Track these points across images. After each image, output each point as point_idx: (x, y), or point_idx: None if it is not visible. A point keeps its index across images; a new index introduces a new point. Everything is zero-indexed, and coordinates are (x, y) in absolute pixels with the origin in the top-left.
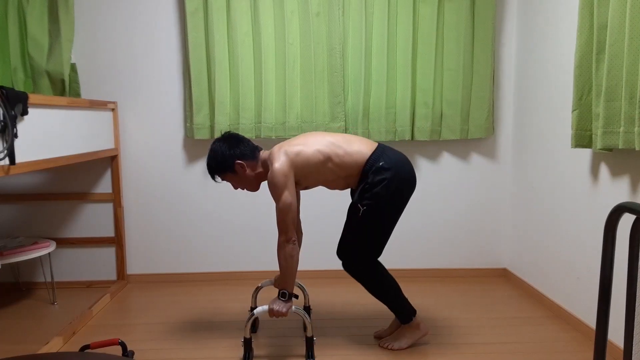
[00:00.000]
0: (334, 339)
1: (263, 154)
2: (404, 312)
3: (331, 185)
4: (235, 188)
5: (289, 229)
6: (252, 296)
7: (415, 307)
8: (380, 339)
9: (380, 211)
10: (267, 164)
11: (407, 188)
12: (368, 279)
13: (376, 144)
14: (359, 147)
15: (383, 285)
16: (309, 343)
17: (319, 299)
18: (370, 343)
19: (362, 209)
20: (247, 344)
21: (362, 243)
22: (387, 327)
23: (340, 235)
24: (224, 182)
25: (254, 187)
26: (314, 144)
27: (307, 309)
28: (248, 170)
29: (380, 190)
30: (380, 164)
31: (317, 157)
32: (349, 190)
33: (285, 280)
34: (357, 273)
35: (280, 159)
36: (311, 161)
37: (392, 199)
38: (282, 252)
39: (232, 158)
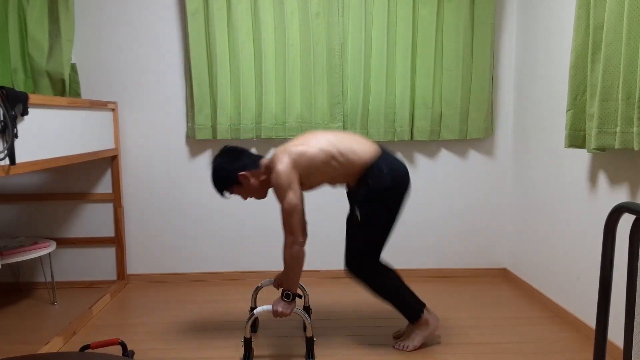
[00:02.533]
0: (334, 339)
1: (264, 160)
2: (409, 311)
3: (333, 182)
4: (245, 199)
5: (296, 230)
6: (252, 296)
7: None
8: (396, 340)
9: (380, 215)
10: (270, 169)
11: (405, 194)
12: (373, 282)
13: (377, 146)
14: (363, 147)
15: (387, 287)
16: (309, 343)
17: (319, 299)
18: (371, 343)
19: (361, 215)
20: (247, 344)
21: (365, 246)
22: (404, 328)
23: (344, 240)
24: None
25: (262, 195)
26: (316, 143)
27: (307, 309)
28: (253, 180)
29: (379, 196)
30: (382, 168)
31: (320, 156)
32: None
33: (290, 281)
34: (362, 277)
35: (283, 161)
36: (315, 160)
37: (390, 204)
38: (289, 253)
39: (235, 171)
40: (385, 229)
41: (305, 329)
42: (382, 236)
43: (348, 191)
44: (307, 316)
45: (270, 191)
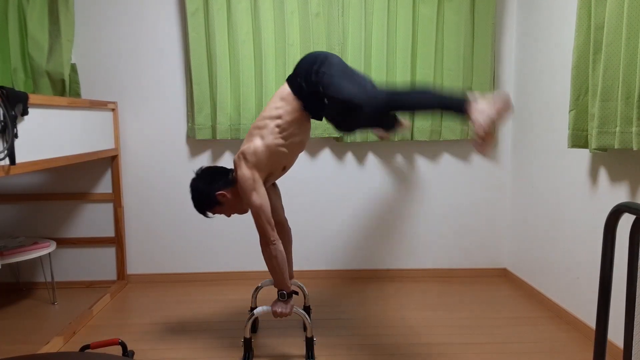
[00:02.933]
0: (334, 340)
1: (234, 173)
2: (453, 102)
3: (305, 139)
4: (229, 216)
5: (266, 230)
6: (252, 296)
7: (415, 307)
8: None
9: (333, 79)
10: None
11: (327, 61)
12: (393, 99)
13: (285, 83)
14: (282, 91)
15: (412, 95)
16: (309, 344)
17: (319, 299)
18: (371, 343)
19: (327, 96)
20: (247, 344)
21: (351, 93)
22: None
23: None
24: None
25: (244, 210)
26: (259, 132)
27: (306, 309)
28: (231, 196)
29: (316, 78)
30: (297, 80)
31: (270, 139)
32: (349, 194)
33: (278, 281)
34: (378, 106)
35: (241, 166)
36: (271, 145)
37: (329, 72)
38: (265, 254)
39: (213, 191)
40: (347, 77)
41: (305, 329)
42: (353, 80)
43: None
44: (307, 316)
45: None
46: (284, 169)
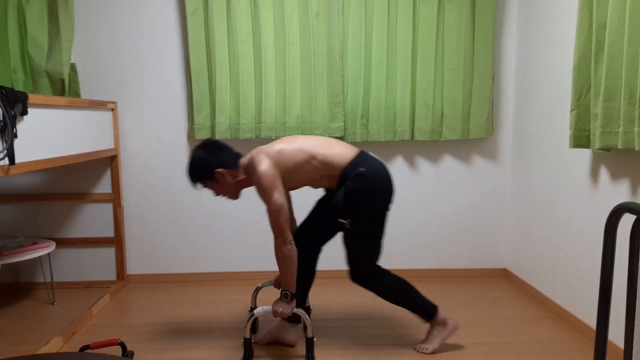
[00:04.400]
0: (334, 340)
1: (243, 160)
2: (422, 311)
3: (315, 184)
4: (216, 195)
5: (284, 230)
6: (252, 296)
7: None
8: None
9: (366, 221)
10: (249, 170)
11: (387, 194)
12: (378, 286)
13: (357, 149)
14: (341, 150)
15: (394, 289)
16: (309, 344)
17: (319, 299)
18: (370, 343)
19: (347, 224)
20: (247, 344)
21: (361, 253)
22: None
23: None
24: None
25: (235, 195)
26: (294, 144)
27: (307, 309)
28: (229, 179)
29: (359, 198)
30: (361, 169)
31: (299, 155)
32: None
33: (286, 281)
34: (366, 283)
35: (263, 161)
36: (295, 158)
37: (373, 206)
38: (280, 253)
39: (213, 166)
40: (376, 234)
41: (305, 329)
42: (375, 240)
43: (325, 196)
44: (307, 317)
45: (245, 192)
46: (287, 187)
